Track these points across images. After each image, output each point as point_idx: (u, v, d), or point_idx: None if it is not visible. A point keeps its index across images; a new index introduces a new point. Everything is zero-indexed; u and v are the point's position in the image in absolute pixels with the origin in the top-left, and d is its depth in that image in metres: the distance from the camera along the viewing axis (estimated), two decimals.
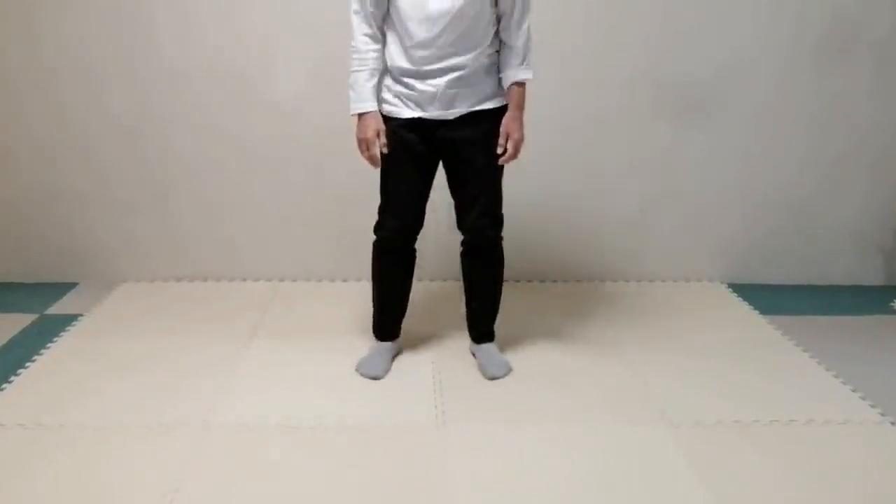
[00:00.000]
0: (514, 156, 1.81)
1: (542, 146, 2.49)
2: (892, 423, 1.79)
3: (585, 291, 2.59)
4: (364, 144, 1.78)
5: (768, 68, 2.46)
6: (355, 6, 1.75)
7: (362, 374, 1.95)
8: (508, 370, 1.98)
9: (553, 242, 2.61)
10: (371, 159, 1.78)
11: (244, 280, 2.63)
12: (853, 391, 1.93)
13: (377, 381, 1.93)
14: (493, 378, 1.95)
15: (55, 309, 2.41)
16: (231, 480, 1.54)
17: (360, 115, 1.77)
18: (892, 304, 2.54)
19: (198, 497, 1.49)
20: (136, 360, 2.04)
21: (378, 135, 1.76)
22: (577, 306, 2.45)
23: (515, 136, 1.81)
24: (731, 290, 2.62)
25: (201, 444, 1.65)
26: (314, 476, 1.56)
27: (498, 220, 1.88)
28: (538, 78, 2.42)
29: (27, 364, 2.02)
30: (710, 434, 1.72)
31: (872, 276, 2.70)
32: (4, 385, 1.91)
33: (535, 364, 2.04)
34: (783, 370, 2.05)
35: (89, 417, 1.76)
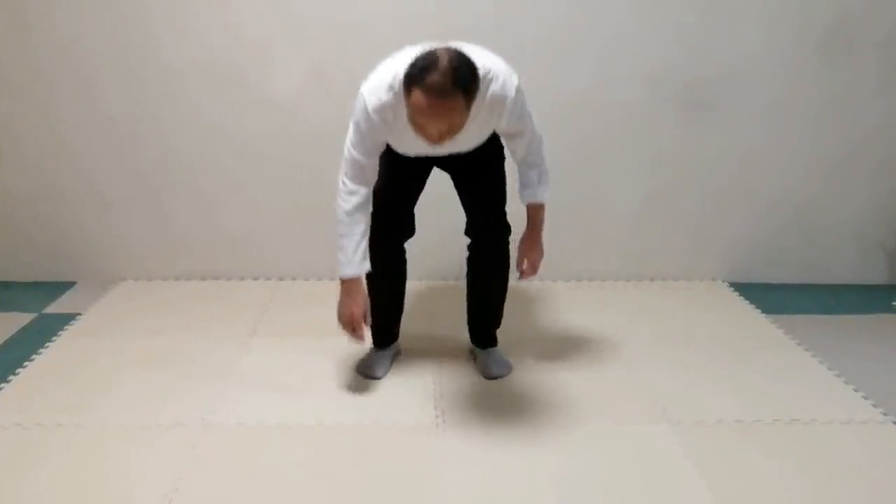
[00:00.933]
0: (535, 274, 1.83)
1: (545, 143, 2.49)
2: (895, 423, 1.78)
3: (586, 290, 2.58)
4: (349, 322, 1.69)
5: (772, 67, 2.44)
6: (355, 153, 1.61)
7: (362, 375, 1.94)
8: (509, 370, 1.97)
9: (554, 241, 2.59)
10: (358, 339, 1.71)
11: (243, 279, 2.63)
12: (856, 391, 1.92)
13: (377, 381, 1.92)
14: (492, 378, 1.94)
15: (53, 308, 2.40)
16: (230, 480, 1.53)
17: (347, 282, 1.69)
18: (894, 303, 2.53)
19: (197, 497, 1.48)
20: (134, 359, 2.03)
21: (364, 315, 1.70)
22: (578, 305, 2.44)
23: (536, 258, 1.81)
24: (733, 289, 2.61)
25: (200, 444, 1.65)
26: (313, 476, 1.55)
27: (507, 224, 1.84)
28: (541, 77, 2.44)
29: (25, 363, 2.01)
30: (712, 433, 1.72)
31: (875, 274, 2.69)
32: (2, 385, 1.90)
33: (535, 363, 2.03)
34: (785, 369, 2.04)
35: (88, 417, 1.75)
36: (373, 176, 1.66)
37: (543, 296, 2.52)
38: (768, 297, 2.52)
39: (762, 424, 1.75)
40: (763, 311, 2.42)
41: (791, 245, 2.65)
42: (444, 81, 1.36)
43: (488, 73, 1.51)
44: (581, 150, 2.52)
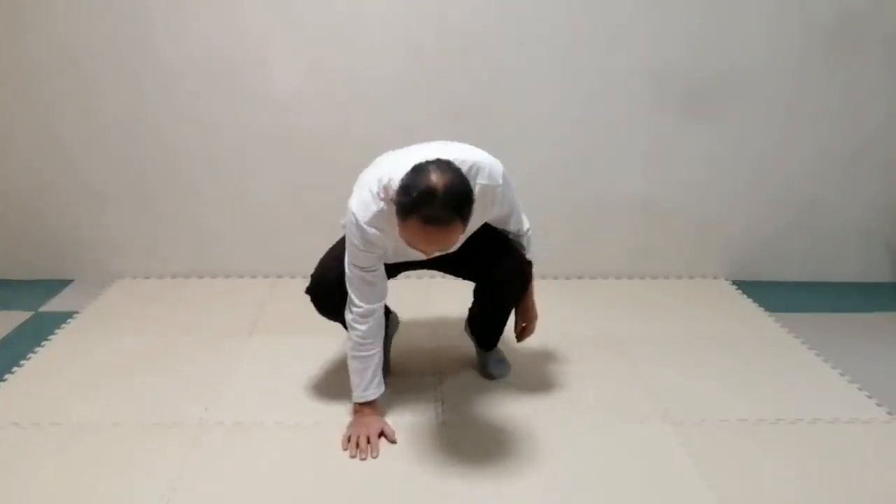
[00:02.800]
0: (532, 333, 1.85)
1: (548, 141, 2.48)
2: None
3: (589, 288, 2.56)
4: (364, 439, 1.58)
5: (776, 65, 2.42)
6: (359, 272, 1.54)
7: None
8: (509, 370, 1.95)
9: (556, 238, 2.58)
10: (371, 456, 1.58)
11: (241, 277, 2.61)
12: (860, 389, 1.90)
13: None
14: (493, 377, 1.92)
15: (50, 306, 2.38)
16: (229, 480, 1.51)
17: (362, 405, 1.64)
18: None
19: (195, 497, 1.46)
20: (131, 357, 2.01)
21: (382, 433, 1.61)
22: (581, 303, 2.42)
23: (532, 319, 1.82)
24: (736, 287, 2.59)
25: (199, 444, 1.63)
26: (313, 476, 1.54)
27: (527, 261, 1.73)
28: (544, 73, 2.42)
29: (22, 362, 1.99)
30: (714, 433, 1.70)
31: (880, 273, 2.67)
32: None
33: (536, 361, 2.01)
34: (789, 368, 2.02)
35: (85, 416, 1.73)
36: (383, 290, 1.60)
37: (544, 294, 2.48)
38: (772, 295, 2.50)
39: (765, 424, 1.74)
40: (766, 310, 2.40)
41: (795, 243, 2.63)
42: (441, 212, 1.32)
43: (472, 167, 1.48)
44: (584, 146, 2.50)
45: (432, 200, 1.32)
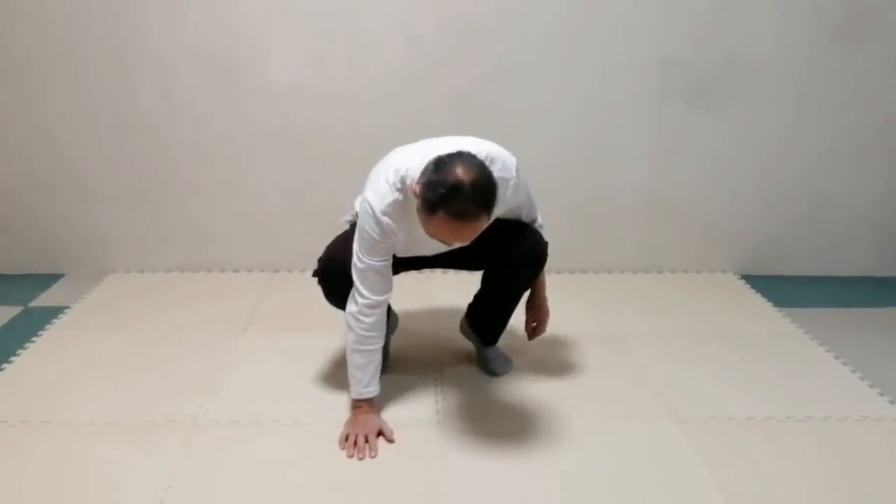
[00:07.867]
0: (544, 332, 1.84)
1: (552, 133, 2.45)
2: None
3: (594, 283, 2.53)
4: (362, 438, 1.56)
5: (784, 56, 2.38)
6: (370, 261, 1.51)
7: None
8: (511, 367, 1.92)
9: (561, 232, 2.54)
10: (370, 456, 1.55)
11: (237, 272, 2.58)
12: (871, 386, 1.87)
13: None
14: (495, 375, 1.89)
15: (40, 301, 2.35)
16: (224, 479, 1.48)
17: (360, 402, 1.62)
18: None
19: (190, 496, 1.43)
20: (124, 354, 1.98)
21: (380, 432, 1.59)
22: (585, 298, 2.39)
23: (544, 318, 1.81)
24: (744, 281, 2.56)
25: (193, 442, 1.60)
26: (311, 475, 1.50)
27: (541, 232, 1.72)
28: (547, 66, 2.38)
29: (11, 358, 1.96)
30: (722, 431, 1.66)
31: (890, 267, 2.64)
32: None
33: (540, 357, 1.98)
34: (798, 364, 1.99)
35: (76, 414, 1.70)
36: (391, 282, 1.59)
37: (550, 287, 2.45)
38: (780, 289, 2.47)
39: (774, 422, 1.70)
40: (775, 304, 2.37)
41: (804, 237, 2.60)
42: (469, 206, 1.34)
43: (486, 157, 1.47)
44: (590, 139, 2.47)
45: (459, 195, 1.32)
